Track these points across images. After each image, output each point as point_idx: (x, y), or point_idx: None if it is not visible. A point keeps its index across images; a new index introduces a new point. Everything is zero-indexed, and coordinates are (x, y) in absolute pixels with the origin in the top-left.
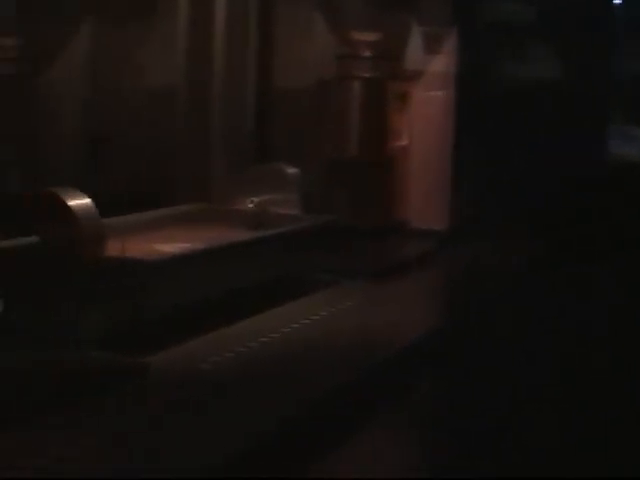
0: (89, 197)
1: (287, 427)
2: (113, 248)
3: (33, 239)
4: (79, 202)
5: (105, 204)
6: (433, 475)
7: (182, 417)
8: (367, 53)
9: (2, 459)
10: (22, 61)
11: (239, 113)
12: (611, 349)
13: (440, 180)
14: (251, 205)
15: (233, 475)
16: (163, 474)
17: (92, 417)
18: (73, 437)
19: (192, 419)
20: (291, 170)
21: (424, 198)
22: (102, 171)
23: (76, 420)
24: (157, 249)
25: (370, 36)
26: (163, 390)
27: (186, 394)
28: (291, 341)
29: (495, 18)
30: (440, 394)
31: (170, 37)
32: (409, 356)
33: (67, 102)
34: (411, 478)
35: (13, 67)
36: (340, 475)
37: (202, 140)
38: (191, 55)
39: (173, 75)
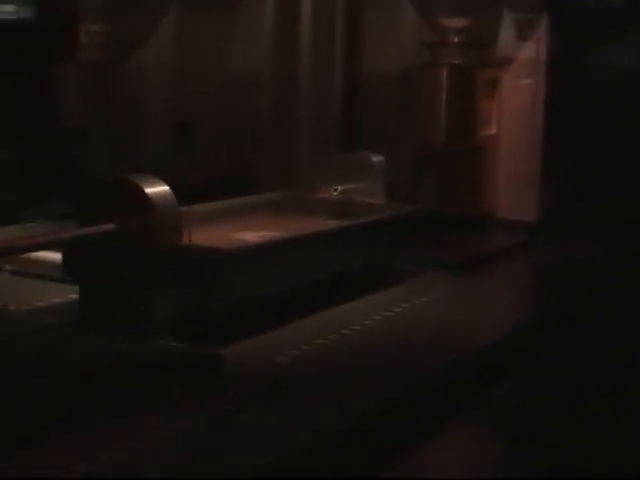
0: (175, 182)
1: (366, 424)
2: (192, 236)
3: (110, 227)
4: (156, 189)
5: (191, 190)
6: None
7: (253, 412)
8: (456, 39)
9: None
10: (109, 47)
11: (325, 100)
12: None
13: (529, 171)
14: (335, 193)
15: (310, 473)
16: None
17: (172, 407)
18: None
19: (264, 414)
20: (376, 158)
21: (512, 189)
22: (189, 157)
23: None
24: (238, 238)
25: (459, 22)
26: (237, 383)
27: (260, 388)
28: (372, 334)
29: (589, 3)
30: (524, 391)
31: (256, 23)
32: (491, 352)
33: (154, 88)
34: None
35: (100, 53)
36: (424, 473)
37: (288, 127)
38: (277, 41)
39: (259, 61)
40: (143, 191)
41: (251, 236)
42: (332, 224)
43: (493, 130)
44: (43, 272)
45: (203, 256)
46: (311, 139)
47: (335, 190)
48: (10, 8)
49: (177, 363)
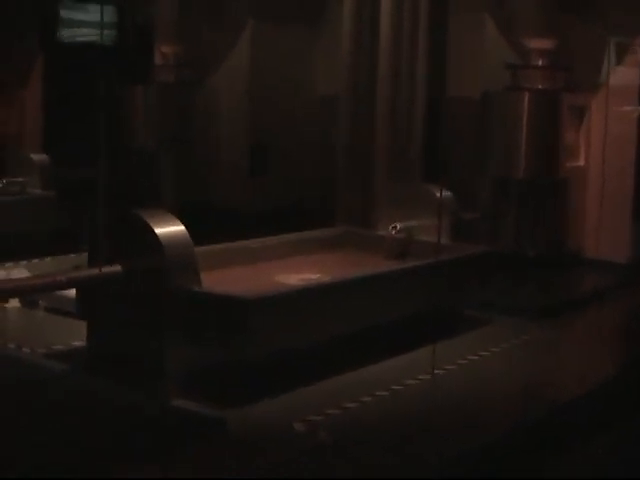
0: (246, 208)
1: None
2: (225, 277)
3: (116, 268)
4: (167, 228)
5: (261, 217)
6: None
7: None
8: (540, 62)
9: None
10: (183, 67)
11: (405, 124)
12: None
13: (620, 206)
14: (393, 231)
15: None
16: None
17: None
18: None
19: None
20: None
21: (601, 226)
22: (261, 181)
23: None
24: (278, 280)
25: (545, 43)
26: (235, 455)
27: (262, 461)
28: (418, 397)
29: None
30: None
31: (334, 43)
32: (564, 420)
33: (228, 109)
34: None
35: (174, 74)
36: None
37: (365, 155)
38: (355, 63)
39: (337, 85)
40: (152, 229)
41: (293, 278)
42: (385, 266)
43: (580, 161)
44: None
45: (219, 303)
46: (390, 170)
47: (394, 228)
48: (87, 31)
49: (176, 426)
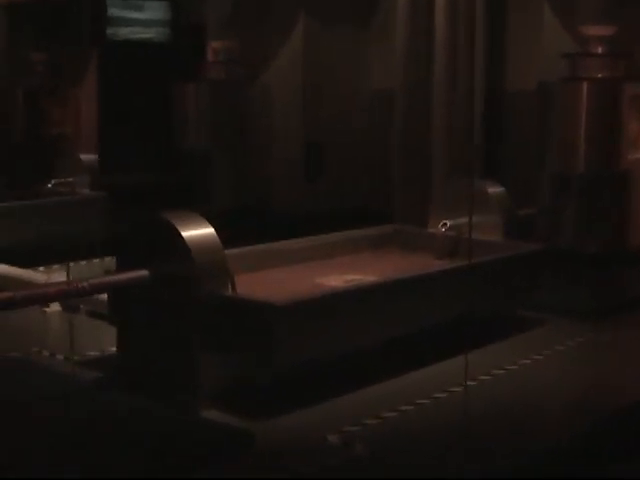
0: (301, 209)
1: None
2: (256, 281)
3: (144, 272)
4: (196, 231)
5: (317, 217)
6: None
7: None
8: (599, 50)
9: None
10: (234, 64)
11: (462, 119)
12: None
13: None
14: (443, 229)
15: None
16: None
17: None
18: None
19: None
20: (494, 189)
21: None
22: (315, 180)
23: None
24: (318, 283)
25: (605, 30)
26: (264, 469)
27: (291, 476)
28: (462, 405)
29: None
30: None
31: (388, 39)
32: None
33: (281, 107)
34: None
35: (225, 71)
36: None
37: (422, 152)
38: (410, 59)
39: (393, 80)
40: (179, 233)
41: (335, 280)
42: (431, 266)
43: None
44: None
45: (247, 309)
46: (447, 167)
47: (444, 225)
48: (141, 29)
49: (205, 440)
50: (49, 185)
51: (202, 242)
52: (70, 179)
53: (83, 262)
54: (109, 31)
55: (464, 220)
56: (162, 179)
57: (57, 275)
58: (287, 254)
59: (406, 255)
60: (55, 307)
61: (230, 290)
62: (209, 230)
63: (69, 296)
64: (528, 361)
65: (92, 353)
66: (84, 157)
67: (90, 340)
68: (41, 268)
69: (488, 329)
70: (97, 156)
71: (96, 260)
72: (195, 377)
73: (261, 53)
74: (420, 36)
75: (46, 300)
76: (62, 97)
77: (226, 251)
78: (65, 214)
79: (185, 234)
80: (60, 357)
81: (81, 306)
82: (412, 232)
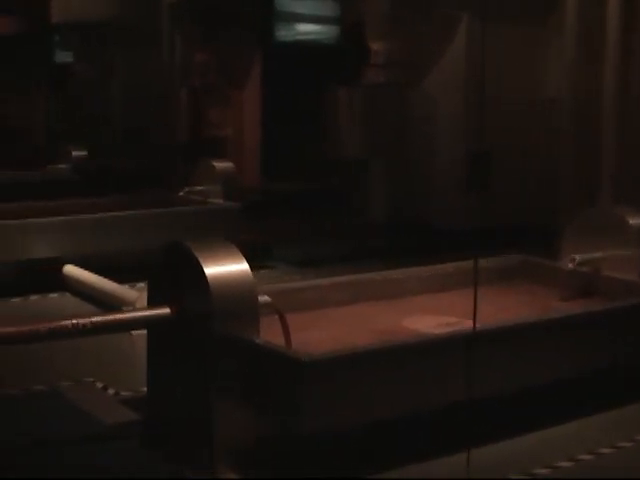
0: (463, 224)
1: None
2: (322, 320)
3: (166, 310)
4: (221, 266)
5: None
6: None
7: None
8: None
9: None
10: (393, 67)
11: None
12: None
13: None
14: (571, 265)
15: None
16: None
17: None
18: None
19: None
20: (636, 220)
21: None
22: (480, 193)
23: None
24: (407, 327)
25: None
26: None
27: None
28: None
29: None
30: None
31: (558, 45)
32: None
33: (442, 114)
34: None
35: (383, 74)
36: None
37: (591, 164)
38: (581, 67)
39: (560, 87)
40: (200, 267)
41: (428, 323)
42: (548, 310)
43: None
44: None
45: (271, 361)
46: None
47: (572, 260)
48: (308, 27)
49: None
50: (181, 193)
51: (226, 279)
52: (202, 187)
53: None
54: (277, 31)
55: (599, 254)
56: (314, 187)
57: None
58: (386, 286)
59: (527, 292)
60: (141, 330)
61: (255, 335)
62: (240, 266)
63: (66, 336)
64: None
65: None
66: (218, 165)
67: None
68: None
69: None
70: (232, 164)
71: None
72: (211, 432)
73: (421, 55)
74: (590, 41)
75: (35, 340)
76: (224, 98)
77: (316, 281)
78: (196, 223)
79: (208, 269)
80: (111, 391)
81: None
82: (541, 265)
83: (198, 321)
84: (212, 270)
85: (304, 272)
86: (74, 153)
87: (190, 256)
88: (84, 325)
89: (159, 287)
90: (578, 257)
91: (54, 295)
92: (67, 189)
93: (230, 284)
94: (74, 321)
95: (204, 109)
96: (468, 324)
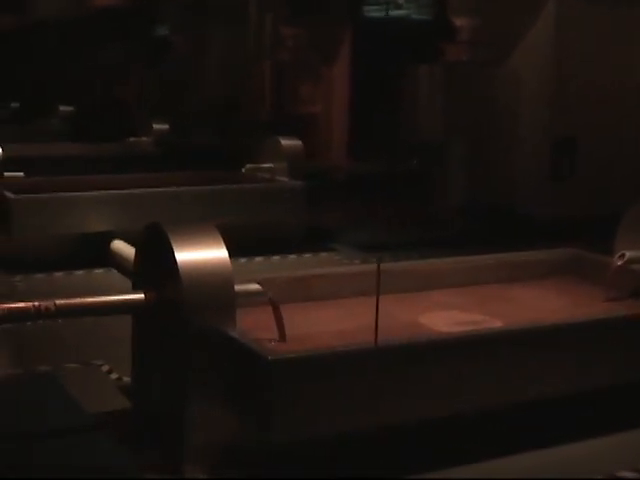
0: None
1: None
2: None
3: (138, 296)
4: (195, 254)
5: (561, 221)
6: None
7: None
8: None
9: None
10: (478, 45)
11: None
12: None
13: None
14: (620, 262)
15: None
16: None
17: None
18: None
19: None
20: None
21: None
22: (566, 181)
23: None
24: (424, 323)
25: None
26: None
27: None
28: None
29: None
30: None
31: None
32: None
33: (527, 96)
34: None
35: (467, 52)
36: None
37: None
38: None
39: None
40: (172, 253)
41: (449, 320)
42: (587, 311)
43: None
44: None
45: (239, 355)
46: None
47: (621, 257)
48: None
49: None
50: (242, 170)
51: (200, 265)
52: (268, 165)
53: (276, 257)
54: (365, 7)
55: None
56: (393, 170)
57: None
58: (420, 277)
59: (571, 289)
60: None
61: (231, 326)
62: (217, 253)
63: (24, 319)
64: None
65: None
66: (285, 142)
67: None
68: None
69: None
70: (300, 142)
71: (292, 256)
72: (184, 429)
73: (507, 34)
74: None
75: (10, 320)
76: (315, 75)
77: (337, 268)
78: (260, 202)
79: (181, 255)
80: (114, 376)
81: None
82: (590, 261)
83: (171, 310)
84: (185, 256)
85: (366, 257)
86: (155, 126)
87: (164, 240)
88: (47, 308)
89: (139, 272)
90: (628, 254)
91: (99, 271)
92: (145, 163)
93: (204, 272)
94: (36, 303)
95: (293, 85)
96: (492, 324)
